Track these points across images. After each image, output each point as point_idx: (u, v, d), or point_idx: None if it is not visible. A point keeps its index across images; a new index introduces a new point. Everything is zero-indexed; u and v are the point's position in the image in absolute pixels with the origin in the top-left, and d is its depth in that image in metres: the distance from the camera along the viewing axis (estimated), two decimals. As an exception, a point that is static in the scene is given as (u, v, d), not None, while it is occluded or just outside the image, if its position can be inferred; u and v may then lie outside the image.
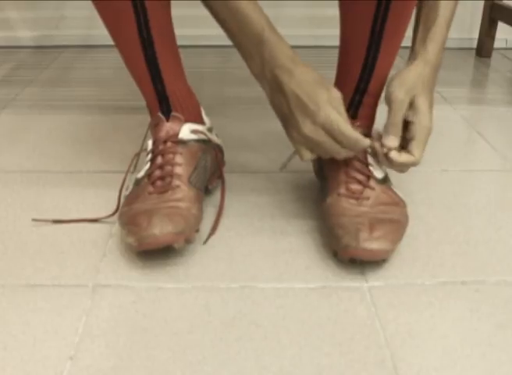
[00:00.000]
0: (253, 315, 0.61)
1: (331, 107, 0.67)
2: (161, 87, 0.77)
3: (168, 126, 0.77)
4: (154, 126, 0.78)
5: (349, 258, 0.67)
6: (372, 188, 0.73)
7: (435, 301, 0.64)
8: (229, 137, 0.97)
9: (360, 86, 0.76)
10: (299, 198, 0.85)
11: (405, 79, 0.70)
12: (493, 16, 1.55)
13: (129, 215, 0.71)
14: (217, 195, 0.83)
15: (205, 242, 0.73)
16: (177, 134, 0.77)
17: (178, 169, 0.75)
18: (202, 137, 0.80)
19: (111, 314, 0.61)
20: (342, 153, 0.70)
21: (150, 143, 0.78)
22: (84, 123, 1.11)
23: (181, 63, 0.81)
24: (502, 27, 1.56)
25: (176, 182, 0.73)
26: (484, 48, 1.61)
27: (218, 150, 0.84)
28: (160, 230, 0.66)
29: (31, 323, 0.60)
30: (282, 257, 0.71)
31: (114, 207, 0.77)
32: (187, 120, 0.78)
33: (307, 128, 0.68)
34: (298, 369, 0.55)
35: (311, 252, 0.72)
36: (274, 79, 0.68)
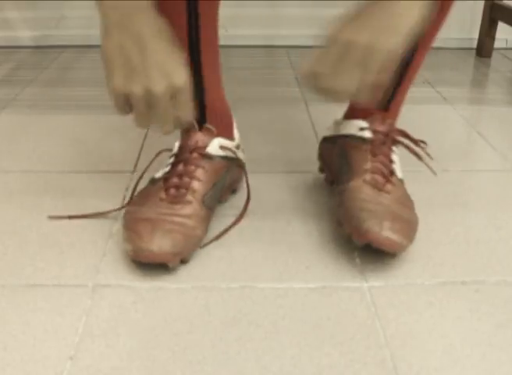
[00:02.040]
0: (253, 315, 0.61)
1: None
2: (201, 96, 0.75)
3: (198, 136, 0.74)
4: (185, 132, 0.76)
5: (365, 242, 0.67)
6: (393, 184, 0.74)
7: (435, 301, 0.64)
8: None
9: (396, 80, 0.77)
10: (299, 197, 0.85)
11: None
12: (493, 16, 1.55)
13: (134, 218, 0.69)
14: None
15: (202, 247, 0.72)
16: (205, 147, 0.74)
17: (195, 184, 0.72)
18: (229, 154, 0.77)
19: (111, 314, 0.61)
20: (157, 120, 0.63)
21: (176, 145, 0.76)
22: (84, 123, 1.11)
23: (221, 73, 0.78)
24: (502, 27, 1.56)
25: (189, 197, 0.71)
26: (484, 48, 1.61)
27: (241, 167, 0.81)
28: (159, 247, 0.65)
29: (31, 323, 0.60)
30: (282, 257, 0.71)
31: (114, 207, 0.77)
32: (219, 134, 0.76)
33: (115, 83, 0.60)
34: (298, 369, 0.55)
35: (311, 252, 0.72)
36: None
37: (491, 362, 0.56)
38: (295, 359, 0.56)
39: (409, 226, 0.69)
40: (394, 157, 0.77)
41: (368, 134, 0.77)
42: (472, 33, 1.67)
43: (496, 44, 1.63)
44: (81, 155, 0.98)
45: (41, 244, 0.73)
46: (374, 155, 0.75)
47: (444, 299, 0.64)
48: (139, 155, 0.96)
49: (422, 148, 0.79)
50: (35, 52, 1.62)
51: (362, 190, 0.72)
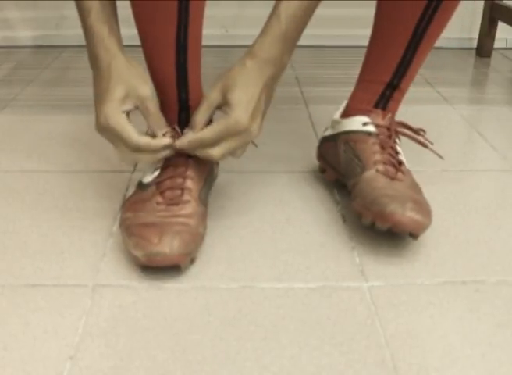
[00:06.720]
0: (253, 315, 0.61)
1: (116, 111, 0.66)
2: (185, 96, 0.75)
3: None
4: (169, 138, 0.74)
5: (390, 225, 0.67)
6: (403, 173, 0.75)
7: (435, 301, 0.64)
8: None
9: (394, 82, 0.79)
10: (299, 197, 0.85)
11: (223, 76, 0.69)
12: (493, 16, 1.55)
13: (136, 224, 0.69)
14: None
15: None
16: None
17: (189, 183, 0.72)
18: None
19: (111, 314, 0.61)
20: (141, 159, 0.69)
21: None
22: (84, 123, 1.11)
23: (200, 70, 0.78)
24: (502, 27, 1.56)
25: (187, 197, 0.71)
26: (484, 48, 1.61)
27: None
28: (170, 249, 0.64)
29: (31, 323, 0.60)
30: (282, 257, 0.71)
31: (114, 207, 0.77)
32: None
33: (96, 125, 0.67)
34: (298, 369, 0.55)
35: (311, 252, 0.72)
36: (96, 55, 0.69)
37: (491, 362, 0.56)
38: (295, 359, 0.56)
39: (426, 207, 0.71)
40: (398, 148, 0.79)
41: (372, 128, 0.78)
42: (472, 33, 1.67)
43: (496, 44, 1.63)
44: (81, 155, 0.98)
45: (41, 244, 0.73)
46: (382, 148, 0.77)
47: (444, 299, 0.64)
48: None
49: (422, 136, 0.81)
50: (35, 52, 1.62)
51: (377, 179, 0.73)
